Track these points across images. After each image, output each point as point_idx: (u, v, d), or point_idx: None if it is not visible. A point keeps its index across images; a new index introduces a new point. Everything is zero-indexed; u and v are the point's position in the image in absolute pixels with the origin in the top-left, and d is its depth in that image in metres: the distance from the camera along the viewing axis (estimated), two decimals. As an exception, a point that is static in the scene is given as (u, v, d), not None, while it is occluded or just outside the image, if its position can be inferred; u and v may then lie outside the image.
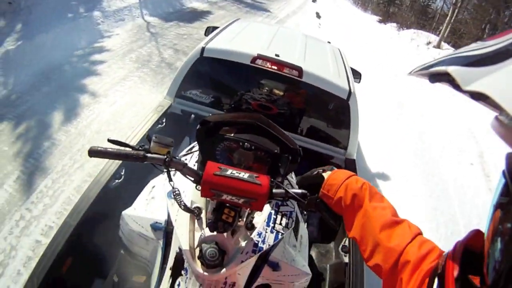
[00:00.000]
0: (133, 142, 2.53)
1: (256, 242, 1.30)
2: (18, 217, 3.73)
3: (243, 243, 1.28)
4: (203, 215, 1.34)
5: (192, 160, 1.67)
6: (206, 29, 4.22)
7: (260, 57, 2.73)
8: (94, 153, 1.16)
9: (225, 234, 1.23)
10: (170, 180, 1.22)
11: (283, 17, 15.23)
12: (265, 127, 1.34)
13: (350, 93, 2.75)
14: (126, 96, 6.12)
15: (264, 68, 2.73)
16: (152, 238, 1.47)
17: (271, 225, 1.41)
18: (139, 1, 10.08)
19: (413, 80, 9.36)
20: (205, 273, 1.19)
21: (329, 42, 4.37)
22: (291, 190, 1.14)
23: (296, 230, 1.69)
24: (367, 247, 0.87)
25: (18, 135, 5.00)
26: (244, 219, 1.32)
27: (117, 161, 2.40)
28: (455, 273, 0.52)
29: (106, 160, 2.43)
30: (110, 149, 1.17)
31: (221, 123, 1.35)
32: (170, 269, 1.29)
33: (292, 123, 3.09)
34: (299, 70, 2.71)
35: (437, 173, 6.07)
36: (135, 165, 2.63)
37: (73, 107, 5.68)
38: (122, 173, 2.45)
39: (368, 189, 0.99)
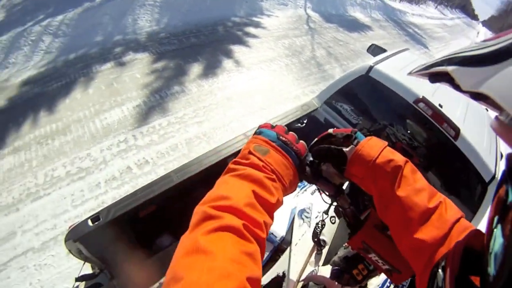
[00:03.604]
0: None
1: None
2: (122, 139, 3.65)
3: None
4: (324, 250, 1.29)
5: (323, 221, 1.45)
6: (370, 46, 4.11)
7: (424, 100, 2.61)
8: None
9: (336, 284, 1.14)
10: (326, 213, 1.15)
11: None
12: None
13: (493, 177, 2.54)
14: (268, 76, 5.89)
15: (424, 113, 2.62)
16: None
17: None
18: (306, -8, 10.07)
19: None
20: None
21: (486, 110, 3.83)
22: None
23: None
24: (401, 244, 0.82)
25: (153, 69, 5.02)
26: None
27: (245, 139, 2.33)
28: (455, 273, 0.53)
29: (235, 134, 2.44)
30: None
31: None
32: (262, 286, 1.20)
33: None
34: (457, 131, 2.55)
35: None
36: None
37: (214, 67, 5.58)
38: None
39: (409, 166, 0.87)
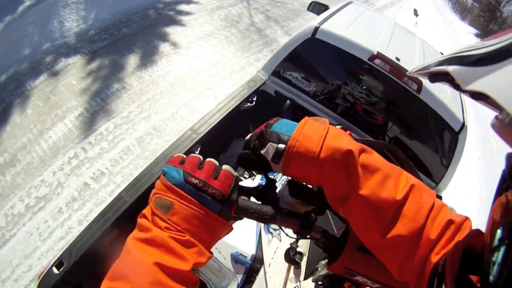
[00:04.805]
0: (218, 118, 2.35)
1: None
2: (72, 155, 3.63)
3: None
4: (303, 263, 1.19)
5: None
6: (310, 4, 3.84)
7: (380, 56, 2.49)
8: None
9: None
10: (296, 244, 0.99)
11: (380, 7, 14.42)
12: (397, 163, 1.16)
13: (463, 126, 2.53)
14: (208, 53, 5.87)
15: (381, 70, 2.49)
16: (230, 269, 1.29)
17: None
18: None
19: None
20: None
21: (441, 54, 3.74)
22: None
23: None
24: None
25: (89, 71, 4.92)
26: None
27: (193, 135, 2.19)
28: (455, 273, 0.53)
29: (185, 123, 2.36)
30: None
31: None
32: None
33: (386, 134, 2.79)
34: (420, 84, 2.46)
35: None
36: (212, 151, 2.44)
37: (151, 54, 5.50)
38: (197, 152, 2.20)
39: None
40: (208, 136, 2.23)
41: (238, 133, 2.81)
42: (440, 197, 2.51)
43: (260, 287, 1.17)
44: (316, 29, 2.59)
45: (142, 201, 1.77)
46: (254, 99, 2.74)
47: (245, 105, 2.65)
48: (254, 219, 0.75)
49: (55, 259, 1.55)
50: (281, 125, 0.75)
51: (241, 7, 7.91)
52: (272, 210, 0.75)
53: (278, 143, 0.71)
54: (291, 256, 1.00)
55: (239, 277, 1.26)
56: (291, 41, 2.71)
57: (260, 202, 0.77)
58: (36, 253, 2.83)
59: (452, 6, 38.62)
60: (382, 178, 0.69)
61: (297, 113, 2.75)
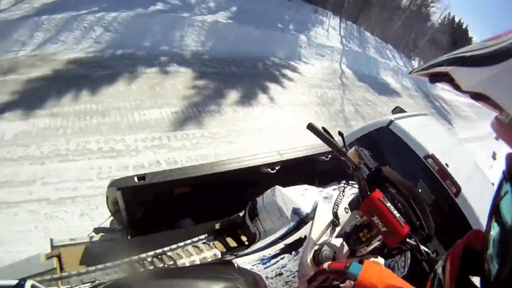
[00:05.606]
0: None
1: None
2: (157, 136, 3.95)
3: None
4: (338, 228, 1.43)
5: (341, 195, 1.64)
6: (395, 108, 4.48)
7: (433, 157, 2.83)
8: (312, 128, 1.34)
9: (344, 250, 1.34)
10: (348, 182, 1.57)
11: (462, 138, 14.40)
12: (414, 204, 1.39)
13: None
14: (299, 118, 6.08)
15: (430, 169, 2.83)
16: (287, 217, 1.56)
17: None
18: (343, 48, 10.72)
19: None
20: (310, 264, 1.31)
21: (492, 184, 3.90)
22: (422, 247, 1.24)
23: None
24: None
25: (195, 85, 5.23)
26: (369, 249, 1.39)
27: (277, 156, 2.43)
28: (455, 273, 0.55)
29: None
30: (322, 133, 1.33)
31: (388, 179, 1.44)
32: (285, 244, 1.41)
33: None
34: (458, 189, 2.71)
35: None
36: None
37: (250, 97, 5.84)
38: None
39: None
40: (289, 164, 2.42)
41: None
42: None
43: (305, 231, 1.43)
44: (391, 122, 3.01)
45: (217, 178, 2.02)
46: (329, 156, 2.90)
47: (321, 157, 2.82)
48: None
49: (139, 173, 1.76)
50: (354, 269, 0.92)
51: (336, 93, 8.34)
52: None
53: (354, 280, 0.91)
54: (337, 206, 1.45)
55: (292, 224, 1.52)
56: (370, 124, 3.18)
57: None
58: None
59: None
60: None
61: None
